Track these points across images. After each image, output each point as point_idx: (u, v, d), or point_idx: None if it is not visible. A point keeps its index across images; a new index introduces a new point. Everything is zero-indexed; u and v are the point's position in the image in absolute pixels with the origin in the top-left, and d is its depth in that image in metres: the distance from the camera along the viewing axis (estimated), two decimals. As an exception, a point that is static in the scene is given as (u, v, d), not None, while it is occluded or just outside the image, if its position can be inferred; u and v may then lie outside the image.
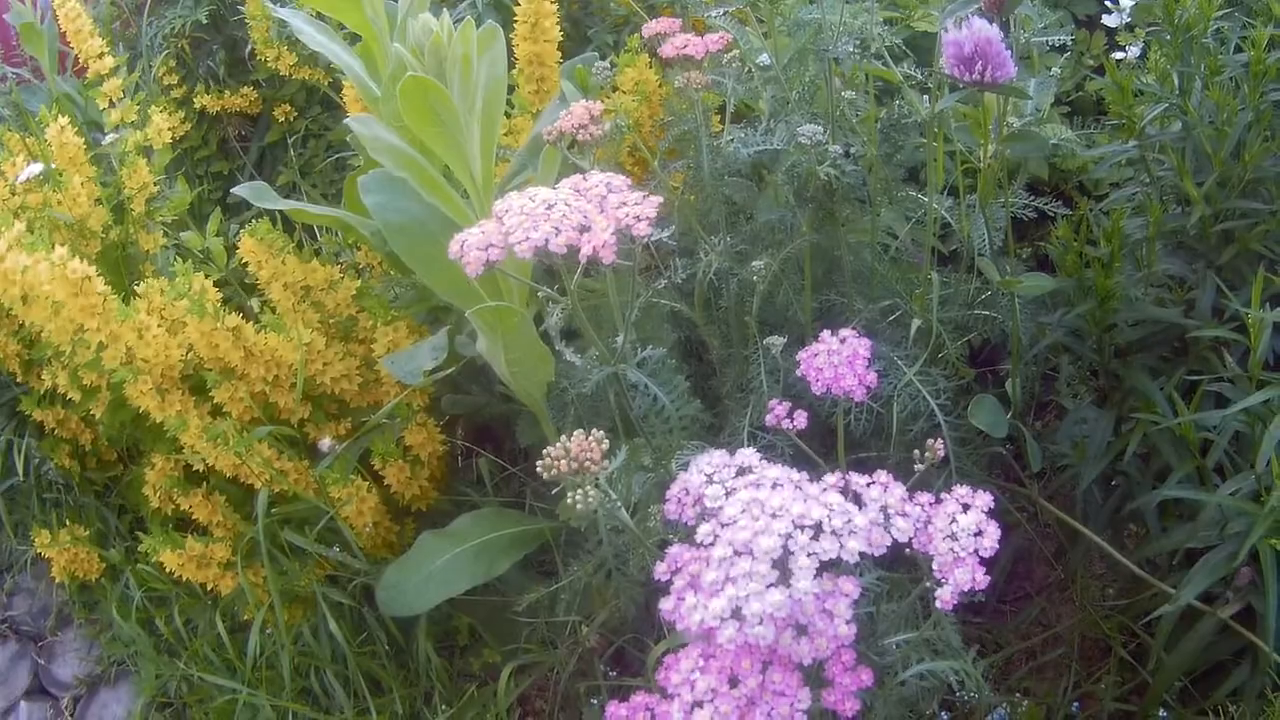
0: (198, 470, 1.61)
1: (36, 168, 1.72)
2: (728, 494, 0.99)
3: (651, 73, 1.74)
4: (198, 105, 2.21)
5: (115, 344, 1.54)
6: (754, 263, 1.36)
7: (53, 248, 1.51)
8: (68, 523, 1.78)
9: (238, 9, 2.12)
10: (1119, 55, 1.72)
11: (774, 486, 0.96)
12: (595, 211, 1.04)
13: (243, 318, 1.58)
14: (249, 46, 2.17)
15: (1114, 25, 1.79)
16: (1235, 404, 1.27)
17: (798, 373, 1.10)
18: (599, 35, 1.94)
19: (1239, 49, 1.48)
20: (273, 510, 1.60)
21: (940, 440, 1.10)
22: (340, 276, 1.68)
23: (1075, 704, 1.55)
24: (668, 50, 1.32)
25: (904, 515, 0.97)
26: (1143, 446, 1.41)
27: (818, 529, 0.92)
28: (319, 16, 1.63)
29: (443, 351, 1.55)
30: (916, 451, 1.10)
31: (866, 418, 1.36)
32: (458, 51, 1.38)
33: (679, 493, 1.03)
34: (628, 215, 1.01)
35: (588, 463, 1.00)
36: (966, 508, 1.00)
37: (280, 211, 1.64)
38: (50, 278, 1.49)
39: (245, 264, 1.65)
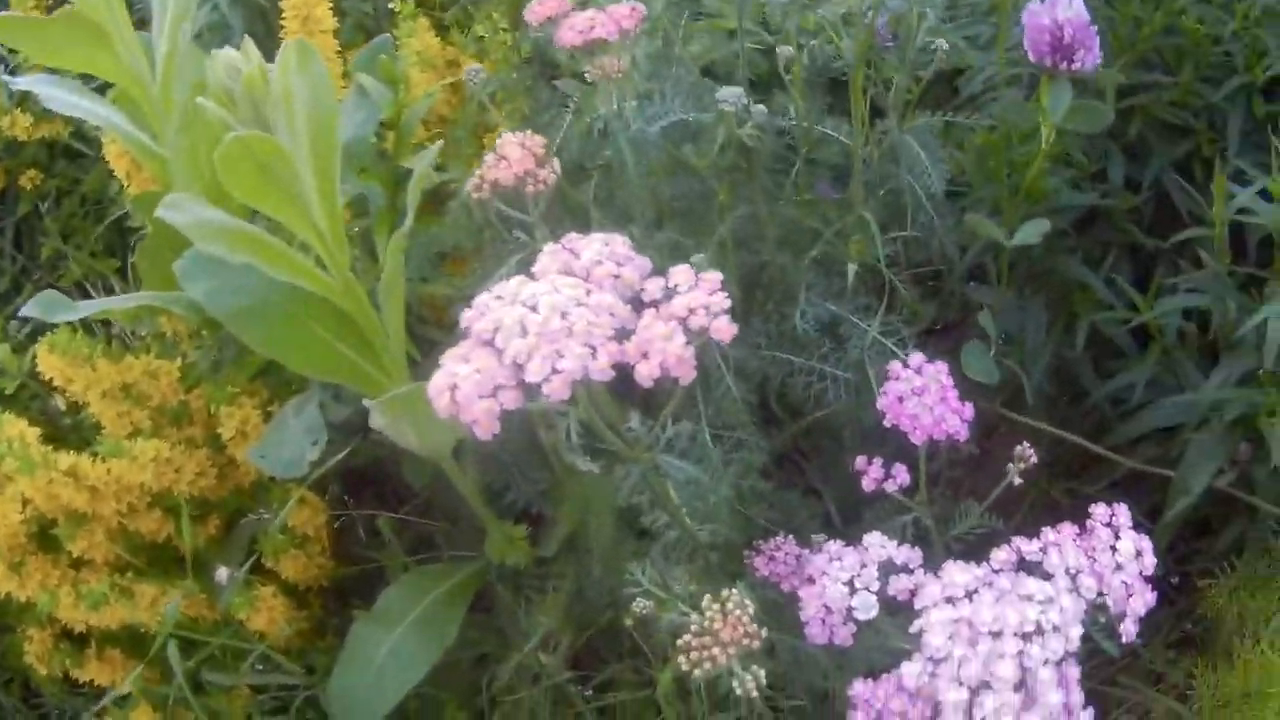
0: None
1: None
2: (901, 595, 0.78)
3: (432, 37, 1.41)
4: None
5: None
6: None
7: None
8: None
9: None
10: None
11: (968, 595, 0.75)
12: (620, 305, 0.77)
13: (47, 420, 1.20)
14: (-26, 119, 1.63)
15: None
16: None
17: (886, 423, 0.88)
18: (354, 6, 1.54)
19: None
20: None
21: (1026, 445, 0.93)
22: (158, 363, 1.30)
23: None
24: (569, 37, 1.01)
25: (1084, 571, 0.80)
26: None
27: (1037, 627, 0.73)
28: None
29: (321, 432, 1.21)
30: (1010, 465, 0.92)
31: (834, 387, 1.16)
32: (278, 89, 1.01)
33: (818, 611, 0.81)
34: (694, 310, 0.74)
35: (744, 639, 0.75)
36: (1117, 533, 0.84)
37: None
38: None
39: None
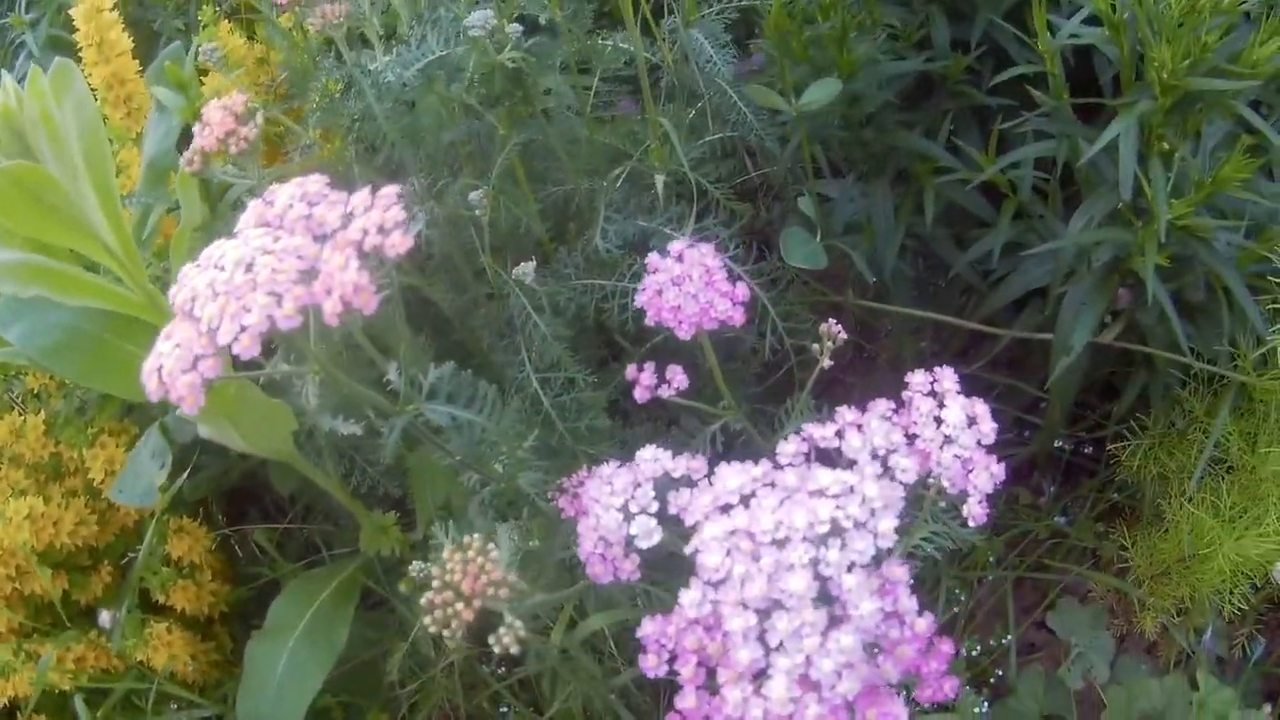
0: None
1: None
2: (679, 517, 0.62)
3: (237, 38, 1.27)
4: None
5: None
6: (472, 194, 0.95)
7: None
8: None
9: None
10: None
11: (744, 501, 0.58)
12: (311, 245, 0.61)
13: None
14: None
15: None
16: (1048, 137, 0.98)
17: (649, 321, 0.71)
18: (165, 25, 1.39)
19: None
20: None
21: (833, 322, 0.76)
22: (22, 420, 1.16)
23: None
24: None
25: (898, 451, 0.63)
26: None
27: (834, 527, 0.57)
28: None
29: (166, 453, 1.08)
30: (816, 346, 0.76)
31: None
32: (34, 112, 0.87)
33: (595, 545, 0.64)
34: (368, 232, 0.59)
35: (489, 589, 0.59)
36: (941, 400, 0.66)
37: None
38: None
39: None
